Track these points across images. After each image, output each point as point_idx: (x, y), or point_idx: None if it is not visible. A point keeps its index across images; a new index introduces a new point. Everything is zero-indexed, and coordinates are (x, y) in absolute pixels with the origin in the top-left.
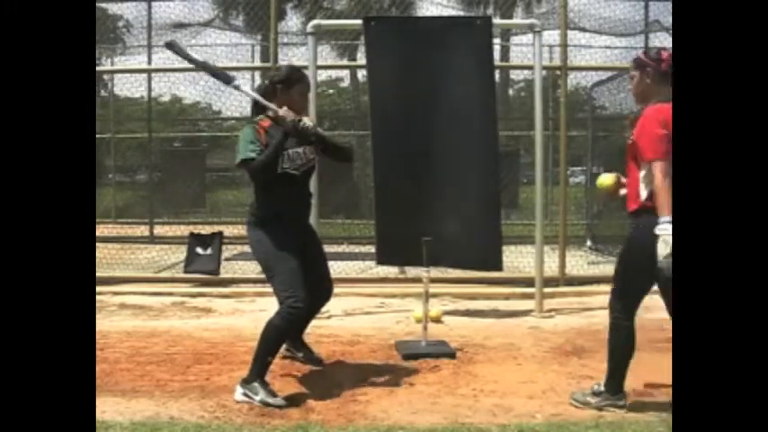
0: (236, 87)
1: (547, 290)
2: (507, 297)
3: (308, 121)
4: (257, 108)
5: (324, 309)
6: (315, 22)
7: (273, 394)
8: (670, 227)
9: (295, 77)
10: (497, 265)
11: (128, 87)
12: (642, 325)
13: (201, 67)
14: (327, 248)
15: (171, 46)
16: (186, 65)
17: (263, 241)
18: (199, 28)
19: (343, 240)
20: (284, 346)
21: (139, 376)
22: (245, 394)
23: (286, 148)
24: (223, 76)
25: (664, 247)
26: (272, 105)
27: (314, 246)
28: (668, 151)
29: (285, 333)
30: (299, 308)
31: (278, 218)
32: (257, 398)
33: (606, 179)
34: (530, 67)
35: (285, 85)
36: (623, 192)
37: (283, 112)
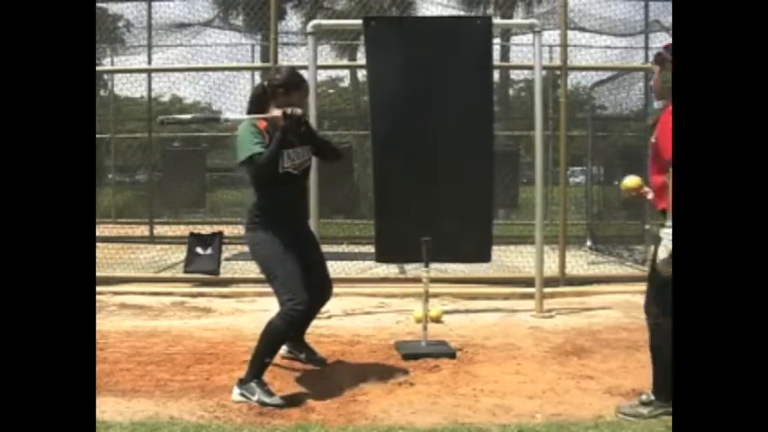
0: (226, 120)
1: (547, 290)
2: (507, 297)
3: (296, 110)
4: (253, 107)
5: (324, 308)
6: (315, 22)
7: (271, 393)
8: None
9: (294, 82)
10: (486, 257)
11: (128, 87)
12: (642, 325)
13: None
14: (327, 248)
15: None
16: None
17: (263, 243)
18: (199, 28)
19: (343, 240)
20: (287, 347)
21: (139, 376)
22: (242, 394)
23: (286, 147)
24: (211, 118)
25: (663, 251)
26: (267, 115)
27: (313, 246)
28: None
29: (285, 335)
30: (299, 310)
31: (279, 219)
32: (254, 398)
33: (630, 181)
34: (530, 67)
35: (284, 89)
36: (650, 195)
37: (274, 113)
